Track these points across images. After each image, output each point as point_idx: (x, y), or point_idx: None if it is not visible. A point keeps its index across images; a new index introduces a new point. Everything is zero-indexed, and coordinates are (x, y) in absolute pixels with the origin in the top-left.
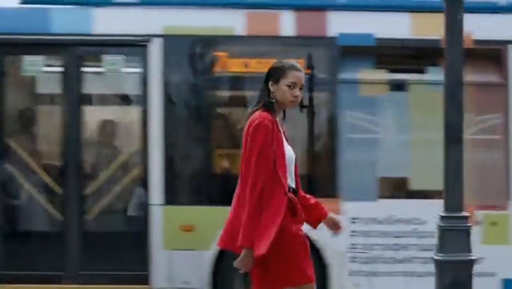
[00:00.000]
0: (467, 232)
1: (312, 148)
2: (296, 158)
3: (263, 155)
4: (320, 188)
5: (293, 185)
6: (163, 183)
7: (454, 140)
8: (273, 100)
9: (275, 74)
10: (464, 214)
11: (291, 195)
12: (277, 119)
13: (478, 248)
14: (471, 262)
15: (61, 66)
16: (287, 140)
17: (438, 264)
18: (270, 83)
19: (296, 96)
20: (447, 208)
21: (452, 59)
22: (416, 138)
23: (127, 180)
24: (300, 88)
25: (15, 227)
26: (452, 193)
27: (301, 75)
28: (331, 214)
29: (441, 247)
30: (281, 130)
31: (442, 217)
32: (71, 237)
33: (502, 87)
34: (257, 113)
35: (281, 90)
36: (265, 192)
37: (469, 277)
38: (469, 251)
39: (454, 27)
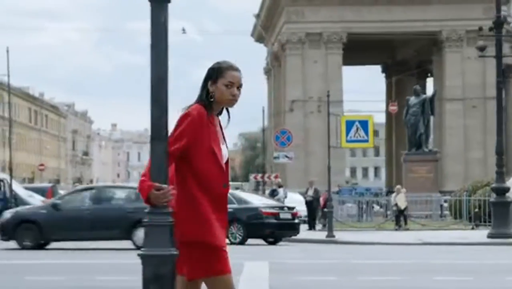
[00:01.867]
0: (170, 228)
1: None
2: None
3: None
4: None
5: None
6: None
7: (158, 138)
8: (212, 99)
9: (213, 74)
10: (168, 210)
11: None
12: (215, 117)
13: None
14: (172, 257)
15: None
16: (224, 138)
17: (142, 258)
18: (209, 83)
19: (234, 95)
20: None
21: (156, 60)
22: None
23: None
24: (238, 88)
25: None
26: None
27: (238, 75)
28: None
29: (146, 242)
30: (217, 127)
31: (148, 213)
32: None
33: None
34: (192, 106)
35: (219, 89)
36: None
37: (171, 271)
38: (172, 246)
39: (158, 29)
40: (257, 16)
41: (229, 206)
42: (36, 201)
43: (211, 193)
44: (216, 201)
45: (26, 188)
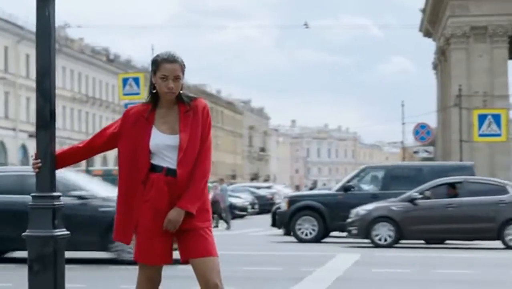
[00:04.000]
0: (52, 210)
1: None
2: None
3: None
4: None
5: (167, 165)
6: None
7: (43, 126)
8: (154, 91)
9: (152, 67)
10: (54, 194)
11: (155, 175)
12: (160, 110)
13: None
14: (54, 238)
15: None
16: (184, 126)
17: (27, 239)
18: (152, 76)
19: (169, 88)
20: (38, 188)
21: (42, 52)
22: None
23: None
24: (175, 80)
25: None
26: (42, 174)
27: (172, 67)
28: (177, 210)
29: (30, 224)
30: (151, 121)
31: (33, 197)
32: None
33: None
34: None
35: (157, 83)
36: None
37: (53, 251)
38: (54, 227)
39: (43, 22)
40: (423, 10)
41: None
42: None
43: (126, 187)
44: (130, 196)
45: None
